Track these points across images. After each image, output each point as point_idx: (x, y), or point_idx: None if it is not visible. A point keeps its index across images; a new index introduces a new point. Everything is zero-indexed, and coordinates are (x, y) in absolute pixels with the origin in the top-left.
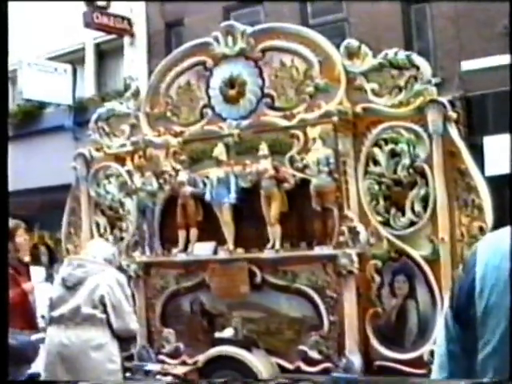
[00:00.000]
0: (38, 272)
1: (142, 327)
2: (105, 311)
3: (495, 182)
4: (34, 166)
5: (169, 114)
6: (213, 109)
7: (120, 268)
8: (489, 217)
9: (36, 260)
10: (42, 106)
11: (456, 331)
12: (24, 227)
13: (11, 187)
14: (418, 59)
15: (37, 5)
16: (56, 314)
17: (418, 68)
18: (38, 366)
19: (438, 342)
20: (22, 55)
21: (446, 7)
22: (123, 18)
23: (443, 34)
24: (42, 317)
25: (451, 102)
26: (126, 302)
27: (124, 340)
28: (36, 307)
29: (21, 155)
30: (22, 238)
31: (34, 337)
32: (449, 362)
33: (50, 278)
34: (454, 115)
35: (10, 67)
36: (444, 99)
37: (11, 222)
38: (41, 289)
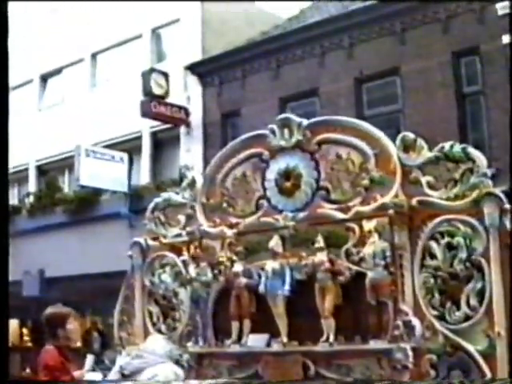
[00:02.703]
0: (88, 360)
1: None
2: None
3: None
4: (89, 252)
5: (225, 204)
6: (268, 200)
7: (177, 362)
8: None
9: (88, 346)
10: (97, 192)
11: None
12: (75, 314)
13: (66, 272)
14: (474, 152)
15: (97, 93)
16: None
17: (473, 161)
18: None
19: None
20: (80, 142)
21: (501, 97)
22: (180, 108)
23: (498, 124)
24: None
25: (507, 194)
26: None
27: None
28: None
29: (76, 241)
30: (72, 325)
31: None
32: None
33: (101, 364)
34: (510, 207)
35: (68, 154)
36: (499, 192)
37: (63, 309)
38: (91, 377)
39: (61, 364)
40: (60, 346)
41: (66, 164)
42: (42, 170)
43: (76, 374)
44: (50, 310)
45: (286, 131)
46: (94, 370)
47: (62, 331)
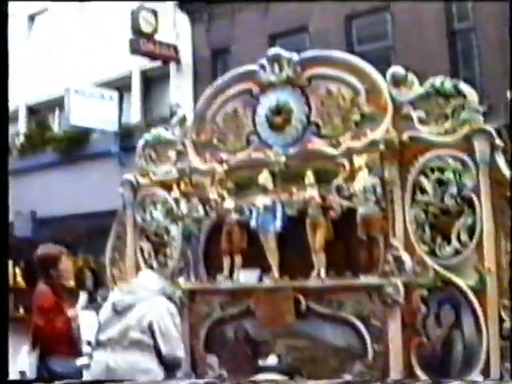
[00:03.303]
0: (81, 298)
1: (185, 354)
2: (153, 337)
3: None
4: (80, 191)
5: (215, 141)
6: (259, 136)
7: (169, 298)
8: None
9: (81, 285)
10: (88, 132)
11: None
12: (67, 254)
13: (57, 212)
14: (465, 88)
15: (85, 32)
16: (103, 337)
17: (464, 96)
18: None
19: None
20: (70, 81)
21: (492, 34)
22: (169, 45)
23: (489, 61)
24: (88, 343)
25: (498, 131)
26: (174, 330)
27: (169, 366)
28: (80, 334)
29: (67, 180)
30: (65, 264)
31: (79, 361)
32: None
33: (94, 302)
34: (501, 144)
35: (58, 94)
36: (491, 128)
37: (55, 248)
38: (85, 315)
39: (55, 304)
40: (53, 285)
41: (57, 103)
42: (32, 110)
43: (70, 313)
44: (41, 250)
45: (276, 66)
46: (86, 308)
47: (55, 271)
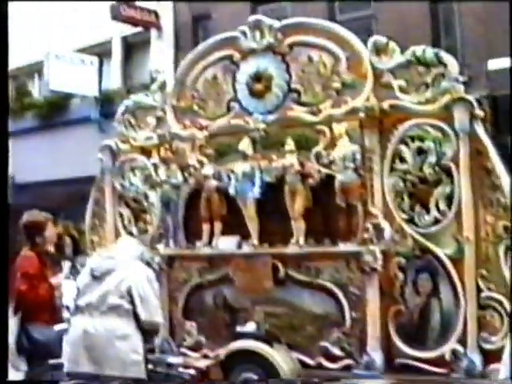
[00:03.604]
0: (65, 267)
1: (164, 320)
2: (131, 302)
3: None
4: (59, 157)
5: (195, 107)
6: (239, 103)
7: (148, 264)
8: None
9: (60, 251)
10: (67, 97)
11: None
12: (52, 221)
13: (36, 178)
14: (446, 57)
15: None
16: (82, 302)
17: (445, 65)
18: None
19: None
20: (50, 47)
21: (475, 5)
22: (150, 11)
23: (471, 32)
24: (67, 308)
25: (478, 101)
26: (153, 296)
27: (147, 332)
28: (62, 302)
29: (47, 146)
30: (50, 231)
31: (58, 327)
32: None
33: (73, 269)
34: (480, 113)
35: (38, 59)
36: (471, 97)
37: (41, 215)
38: (66, 283)
39: (39, 271)
40: (38, 252)
41: (36, 69)
42: (11, 76)
43: (53, 280)
44: (28, 217)
45: (257, 33)
46: (68, 277)
47: (40, 238)
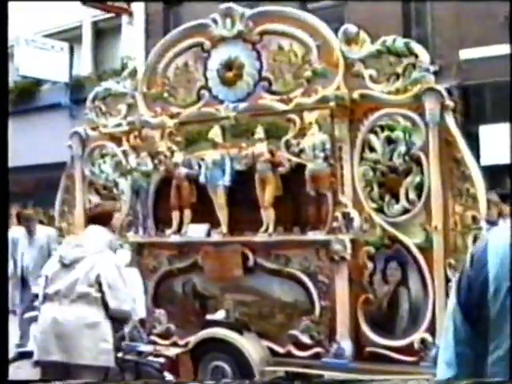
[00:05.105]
0: None
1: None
2: (100, 290)
3: (490, 172)
4: (29, 143)
5: (166, 94)
6: (210, 91)
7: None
8: (483, 206)
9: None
10: (38, 83)
11: (465, 330)
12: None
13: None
14: (417, 47)
15: None
16: (51, 290)
17: (416, 56)
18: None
19: (445, 339)
20: (20, 31)
21: None
22: None
23: (442, 22)
24: (36, 296)
25: (449, 91)
26: (121, 283)
27: (117, 320)
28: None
29: (16, 132)
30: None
31: (28, 315)
32: (456, 361)
33: None
34: (451, 104)
35: (7, 43)
36: (441, 87)
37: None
38: None
39: None
40: None
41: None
42: None
43: None
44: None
45: (228, 21)
46: None
47: None
